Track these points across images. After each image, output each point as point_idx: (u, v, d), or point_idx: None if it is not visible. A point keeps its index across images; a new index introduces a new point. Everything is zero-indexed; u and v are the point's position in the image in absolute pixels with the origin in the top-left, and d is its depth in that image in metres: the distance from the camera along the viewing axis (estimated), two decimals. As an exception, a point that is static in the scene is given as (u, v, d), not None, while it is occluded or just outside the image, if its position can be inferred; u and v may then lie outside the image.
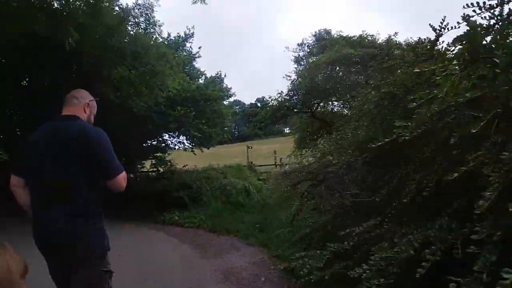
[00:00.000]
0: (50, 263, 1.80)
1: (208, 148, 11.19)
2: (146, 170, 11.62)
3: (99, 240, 1.79)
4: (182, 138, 11.52)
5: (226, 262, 4.52)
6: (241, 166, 11.89)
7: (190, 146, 11.01)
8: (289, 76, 8.98)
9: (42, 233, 1.75)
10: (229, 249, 5.20)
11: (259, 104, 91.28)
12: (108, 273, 1.82)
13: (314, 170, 4.07)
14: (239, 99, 58.16)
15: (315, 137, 8.62)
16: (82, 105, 1.92)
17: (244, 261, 4.47)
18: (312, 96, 8.41)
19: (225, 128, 11.12)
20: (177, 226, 7.33)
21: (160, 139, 11.30)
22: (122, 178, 1.80)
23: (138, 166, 11.53)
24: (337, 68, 8.49)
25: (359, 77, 7.63)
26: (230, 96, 10.86)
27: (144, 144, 10.91)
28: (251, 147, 16.98)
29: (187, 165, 11.03)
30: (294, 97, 8.53)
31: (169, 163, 11.07)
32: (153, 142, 11.52)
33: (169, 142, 11.68)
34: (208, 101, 9.66)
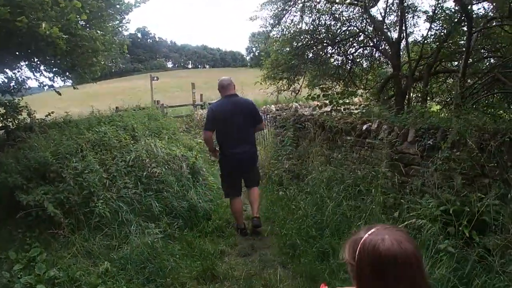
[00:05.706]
0: (235, 172, 4.00)
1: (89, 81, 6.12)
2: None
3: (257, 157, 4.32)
4: (41, 67, 6.09)
5: None
6: (151, 109, 7.33)
7: (50, 79, 5.88)
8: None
9: (236, 158, 3.86)
10: None
11: (139, 35, 79.18)
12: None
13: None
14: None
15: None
16: (234, 87, 4.01)
17: None
18: None
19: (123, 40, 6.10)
20: None
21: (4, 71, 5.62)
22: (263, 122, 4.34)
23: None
24: None
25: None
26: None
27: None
28: (157, 78, 11.88)
29: (52, 112, 5.97)
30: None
31: (25, 111, 6.09)
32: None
33: (19, 76, 6.04)
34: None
